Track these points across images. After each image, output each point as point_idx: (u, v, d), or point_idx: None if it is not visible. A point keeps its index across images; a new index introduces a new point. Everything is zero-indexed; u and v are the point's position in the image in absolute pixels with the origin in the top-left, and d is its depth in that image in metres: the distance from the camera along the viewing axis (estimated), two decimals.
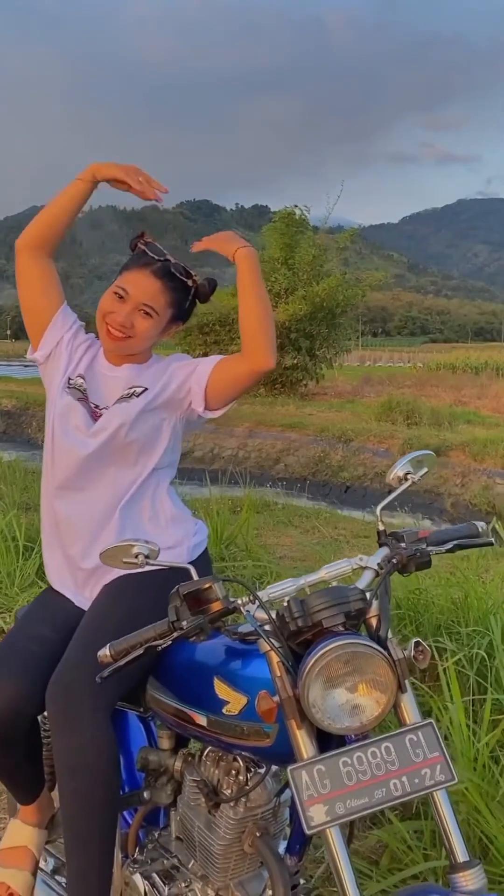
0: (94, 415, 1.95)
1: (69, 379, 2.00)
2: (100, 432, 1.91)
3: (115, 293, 1.94)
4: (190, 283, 1.99)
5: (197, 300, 2.05)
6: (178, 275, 1.96)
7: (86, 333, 2.09)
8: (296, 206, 22.72)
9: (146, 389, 1.95)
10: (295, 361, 21.88)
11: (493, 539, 1.56)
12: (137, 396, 1.94)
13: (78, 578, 1.95)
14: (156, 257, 1.95)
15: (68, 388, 1.98)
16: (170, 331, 2.05)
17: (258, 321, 1.89)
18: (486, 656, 3.04)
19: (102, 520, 1.92)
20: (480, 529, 1.59)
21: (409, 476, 1.63)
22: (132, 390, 1.95)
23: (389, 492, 1.64)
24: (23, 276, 2.03)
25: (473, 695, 2.85)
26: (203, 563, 1.99)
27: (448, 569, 4.95)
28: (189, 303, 2.03)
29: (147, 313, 1.94)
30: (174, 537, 1.95)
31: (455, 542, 1.56)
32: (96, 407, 1.97)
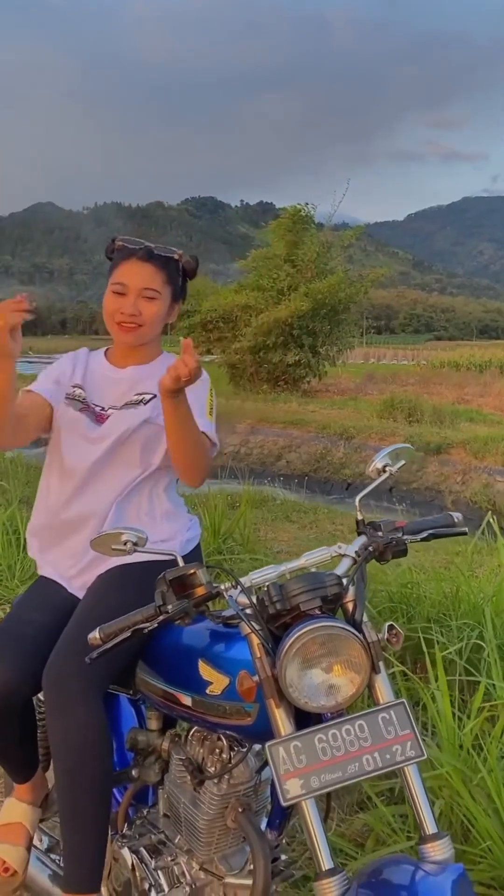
0: (100, 417, 2.01)
1: (67, 394, 2.06)
2: (105, 437, 1.97)
3: (114, 291, 2.00)
4: (176, 256, 2.05)
5: (187, 277, 2.11)
6: (162, 254, 2.03)
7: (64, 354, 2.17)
8: (306, 203, 22.75)
9: (154, 396, 1.99)
10: (297, 358, 21.81)
11: (466, 528, 1.62)
12: (145, 404, 2.00)
13: (74, 571, 1.99)
14: (136, 247, 2.02)
15: (68, 399, 2.04)
16: (174, 311, 2.10)
17: (188, 457, 1.90)
18: (476, 646, 3.10)
19: (101, 516, 1.97)
20: (456, 520, 1.66)
21: (387, 468, 1.70)
22: (141, 397, 2.01)
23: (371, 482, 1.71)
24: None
25: (461, 685, 2.92)
26: (195, 557, 2.05)
27: (443, 564, 5.01)
28: (181, 279, 2.09)
29: (150, 297, 2.00)
30: (168, 531, 2.01)
31: (430, 531, 1.62)
32: (101, 410, 2.02)
